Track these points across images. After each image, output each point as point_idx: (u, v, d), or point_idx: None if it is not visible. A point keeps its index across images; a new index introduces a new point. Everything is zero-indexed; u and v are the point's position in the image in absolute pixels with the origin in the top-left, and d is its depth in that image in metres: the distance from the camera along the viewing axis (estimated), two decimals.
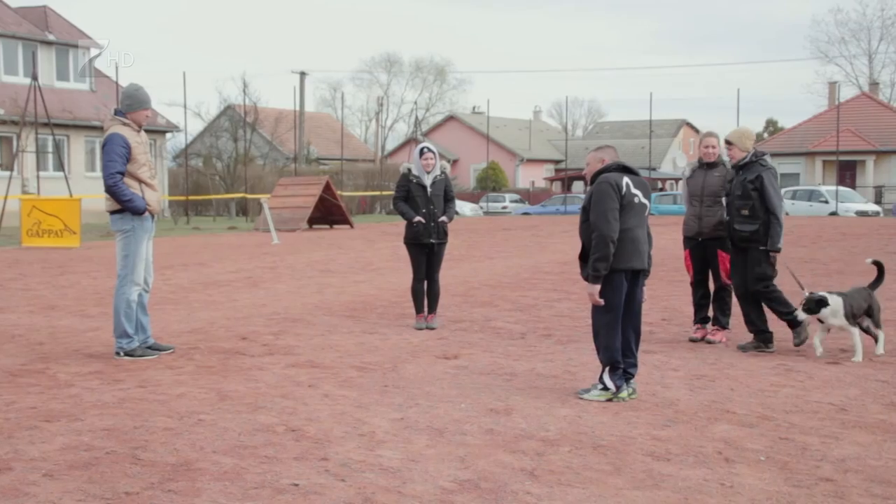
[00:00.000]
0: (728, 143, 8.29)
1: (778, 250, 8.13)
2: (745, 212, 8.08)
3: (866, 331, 7.90)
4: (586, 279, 6.30)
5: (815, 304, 7.70)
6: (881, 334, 7.93)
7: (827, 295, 7.76)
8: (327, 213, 30.34)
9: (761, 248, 8.11)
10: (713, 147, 8.64)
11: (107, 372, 7.21)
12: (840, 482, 4.63)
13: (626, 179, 6.34)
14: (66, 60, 36.45)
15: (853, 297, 7.82)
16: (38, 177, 29.12)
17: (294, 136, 49.20)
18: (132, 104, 7.79)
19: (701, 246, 8.61)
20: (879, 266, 8.03)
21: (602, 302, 6.26)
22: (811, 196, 39.65)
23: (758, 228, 8.08)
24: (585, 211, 6.40)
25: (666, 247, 17.64)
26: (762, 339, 8.16)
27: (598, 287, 6.23)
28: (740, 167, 8.22)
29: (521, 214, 45.04)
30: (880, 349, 7.85)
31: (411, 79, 76.12)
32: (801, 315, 7.81)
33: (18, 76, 34.05)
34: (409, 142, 60.74)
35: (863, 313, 7.86)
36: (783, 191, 41.16)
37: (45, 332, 9.13)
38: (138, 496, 4.37)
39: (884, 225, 28.17)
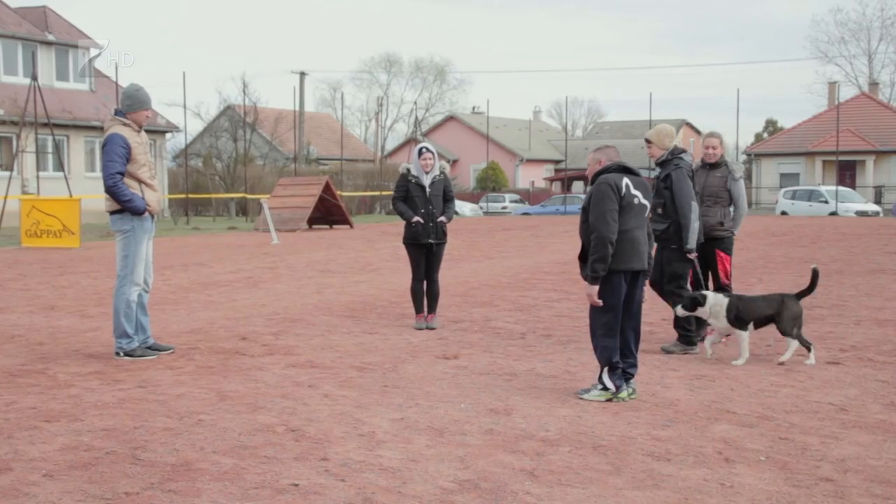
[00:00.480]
0: (647, 141, 8.34)
1: (690, 250, 7.99)
2: (659, 210, 8.06)
3: (798, 339, 7.63)
4: (585, 279, 6.30)
5: (690, 302, 7.68)
6: (791, 343, 7.57)
7: (707, 294, 7.72)
8: (327, 213, 30.34)
9: (673, 246, 8.07)
10: (713, 148, 8.64)
11: (107, 372, 7.21)
12: (840, 482, 4.63)
13: (625, 180, 6.34)
14: (66, 61, 36.45)
15: (749, 302, 7.70)
16: (37, 177, 29.12)
17: (294, 136, 49.19)
18: (132, 104, 7.79)
19: (700, 246, 8.60)
20: (814, 274, 7.82)
21: (601, 302, 6.26)
22: (811, 196, 39.68)
23: (668, 227, 8.02)
24: (585, 211, 6.40)
25: None
26: (685, 340, 8.11)
27: (596, 288, 6.24)
28: (659, 165, 8.25)
29: (520, 214, 45.04)
30: (785, 356, 7.56)
31: (411, 79, 76.19)
32: (679, 311, 7.77)
33: (18, 76, 34.05)
34: (409, 142, 60.73)
35: (762, 319, 7.66)
36: (783, 190, 41.53)
37: (45, 333, 9.13)
38: (138, 496, 4.37)
39: (884, 225, 28.18)
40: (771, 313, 7.64)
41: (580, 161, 57.88)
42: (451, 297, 11.53)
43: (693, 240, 7.95)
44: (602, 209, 6.21)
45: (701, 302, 7.64)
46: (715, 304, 7.63)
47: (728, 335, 8.06)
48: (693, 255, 8.05)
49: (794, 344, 7.58)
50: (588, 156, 6.68)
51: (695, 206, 7.97)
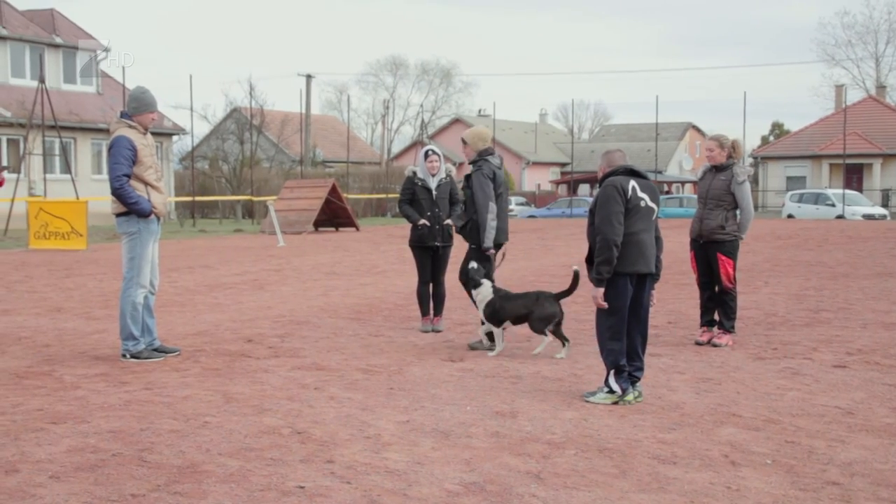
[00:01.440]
0: (463, 142, 8.61)
1: (487, 248, 8.33)
2: (462, 207, 8.61)
3: (556, 334, 7.93)
4: (592, 281, 6.31)
5: (472, 275, 8.12)
6: (544, 340, 7.97)
7: (484, 282, 8.06)
8: (333, 215, 30.35)
9: (473, 245, 8.43)
10: (710, 150, 8.64)
11: (113, 374, 7.22)
12: (846, 486, 4.61)
13: (632, 183, 6.33)
14: (73, 63, 36.53)
15: (507, 301, 7.99)
16: (44, 179, 29.22)
17: (300, 138, 49.23)
18: (139, 107, 7.81)
19: (703, 248, 8.62)
20: (575, 276, 7.85)
21: (606, 305, 6.26)
22: (818, 199, 39.59)
23: (465, 224, 8.43)
24: (592, 214, 6.39)
25: (672, 250, 17.59)
26: (490, 336, 8.29)
27: (601, 290, 6.23)
28: (471, 165, 8.53)
29: (526, 217, 45.03)
30: (537, 350, 8.00)
31: (417, 81, 76.16)
32: (476, 295, 8.13)
33: (25, 79, 34.14)
34: (415, 144, 60.71)
35: (518, 318, 7.95)
36: (789, 193, 41.47)
37: (52, 335, 9.15)
38: (144, 498, 4.37)
39: (891, 228, 28.11)
40: (525, 312, 7.92)
41: (586, 164, 57.91)
42: (457, 300, 11.53)
43: (489, 238, 8.31)
44: (607, 211, 6.21)
45: (474, 285, 8.08)
46: (483, 295, 8.02)
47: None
48: (490, 253, 8.40)
49: (547, 339, 7.94)
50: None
51: (492, 206, 8.30)
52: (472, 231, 8.39)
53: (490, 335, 8.22)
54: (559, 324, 7.92)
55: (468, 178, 8.46)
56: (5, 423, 5.69)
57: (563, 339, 7.94)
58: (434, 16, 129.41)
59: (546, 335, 7.90)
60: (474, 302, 8.34)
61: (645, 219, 6.34)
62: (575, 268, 7.89)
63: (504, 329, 8.10)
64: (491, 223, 8.27)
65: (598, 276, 6.21)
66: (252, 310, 10.97)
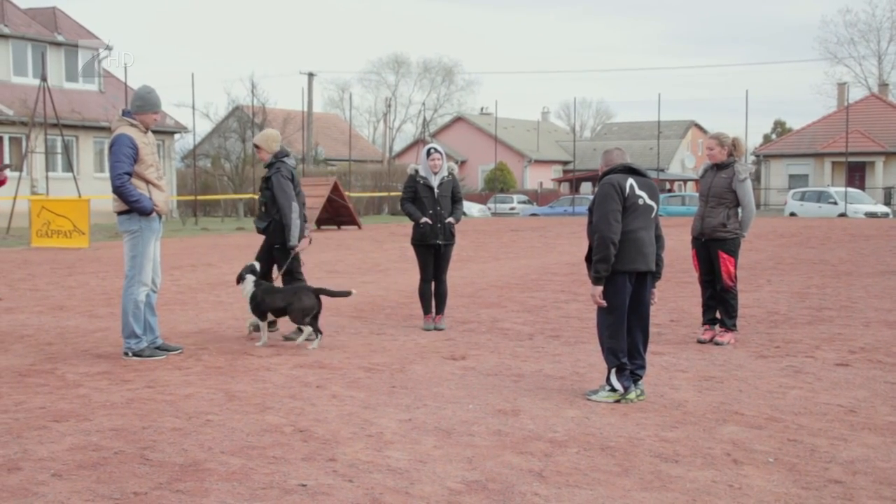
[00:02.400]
0: (256, 146, 8.89)
1: (293, 246, 8.62)
2: (262, 208, 8.79)
3: (311, 325, 8.25)
4: (591, 280, 6.31)
5: (244, 273, 8.49)
6: (305, 330, 8.28)
7: (248, 278, 8.41)
8: (335, 213, 30.36)
9: (276, 245, 8.69)
10: (710, 149, 8.63)
11: (115, 372, 7.23)
12: (849, 484, 4.61)
13: (630, 181, 6.33)
14: (75, 61, 36.55)
15: (269, 293, 8.33)
16: (47, 177, 29.21)
17: (302, 136, 49.22)
18: (143, 105, 7.81)
19: (704, 246, 8.61)
20: (344, 294, 8.66)
21: (604, 303, 6.26)
22: (820, 197, 39.56)
23: (268, 225, 8.70)
24: (591, 212, 6.39)
25: (674, 248, 17.60)
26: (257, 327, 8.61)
27: (600, 288, 6.24)
28: (267, 167, 8.80)
29: (529, 216, 45.02)
30: (298, 340, 8.35)
31: (419, 80, 76.08)
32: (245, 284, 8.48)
33: (28, 77, 34.15)
34: (417, 143, 60.74)
35: (278, 311, 8.32)
36: (792, 191, 41.46)
37: (54, 333, 9.16)
38: (147, 496, 4.37)
39: (893, 226, 28.09)
40: (284, 305, 8.24)
41: (588, 162, 57.89)
42: (459, 298, 11.53)
43: (295, 236, 8.59)
44: (605, 210, 6.21)
45: (240, 279, 8.44)
46: (247, 290, 8.37)
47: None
48: (295, 251, 8.66)
49: (307, 331, 8.26)
50: None
51: (295, 206, 8.59)
52: (276, 231, 8.64)
53: (257, 327, 8.56)
54: (316, 316, 8.28)
55: (267, 179, 8.67)
56: (8, 421, 5.69)
57: (317, 332, 8.29)
58: (436, 14, 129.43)
59: (305, 326, 8.26)
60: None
61: (643, 217, 6.33)
62: (351, 291, 8.82)
63: (272, 321, 8.58)
64: (296, 222, 8.58)
65: (596, 274, 6.21)
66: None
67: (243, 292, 8.49)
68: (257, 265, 8.67)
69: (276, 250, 8.77)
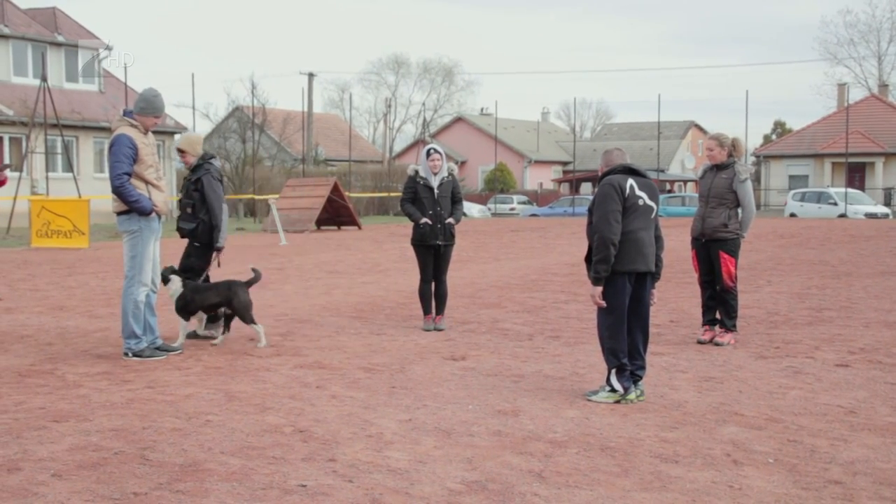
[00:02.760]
0: (180, 150, 8.83)
1: (220, 248, 8.64)
2: (189, 210, 8.63)
3: (226, 321, 8.43)
4: (590, 280, 6.31)
5: (168, 274, 8.28)
6: (258, 329, 8.37)
7: (172, 278, 8.27)
8: (335, 214, 30.36)
9: (196, 244, 8.66)
10: (710, 149, 8.64)
11: (115, 372, 7.23)
12: (849, 485, 4.61)
13: (630, 181, 6.33)
14: (75, 61, 36.55)
15: (199, 291, 8.28)
16: (47, 178, 29.21)
17: (302, 137, 49.22)
18: (146, 108, 7.82)
19: (705, 247, 8.61)
20: (255, 272, 8.57)
21: (604, 304, 6.26)
22: (820, 198, 39.56)
23: (196, 226, 8.58)
24: (591, 212, 6.40)
25: (674, 248, 17.61)
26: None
27: (599, 289, 6.24)
28: (191, 171, 8.69)
29: (529, 216, 45.03)
30: (261, 343, 8.31)
31: (419, 80, 76.04)
32: (169, 286, 8.33)
33: (28, 77, 34.14)
34: (417, 143, 60.76)
35: (210, 307, 8.35)
36: (792, 192, 41.45)
37: (54, 333, 9.16)
38: (146, 496, 4.37)
39: (893, 227, 28.09)
40: (219, 301, 8.25)
41: (588, 162, 57.87)
42: (459, 299, 11.53)
43: (224, 238, 8.62)
44: (604, 210, 6.22)
45: (168, 280, 8.27)
46: (175, 290, 8.25)
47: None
48: (219, 253, 8.68)
49: (261, 328, 8.36)
50: None
51: (225, 207, 8.64)
52: (204, 232, 8.58)
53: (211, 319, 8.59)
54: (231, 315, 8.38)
55: (196, 181, 8.58)
56: (7, 422, 5.69)
57: (226, 329, 8.43)
58: (436, 14, 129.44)
59: (257, 324, 8.36)
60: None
61: (643, 217, 6.33)
62: (252, 266, 8.74)
63: (202, 321, 8.62)
64: (225, 223, 8.62)
65: (595, 274, 6.21)
66: (254, 308, 10.94)
67: (170, 293, 8.34)
68: (176, 266, 8.56)
69: (196, 248, 8.68)
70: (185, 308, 8.31)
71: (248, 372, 7.25)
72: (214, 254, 8.68)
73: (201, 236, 8.63)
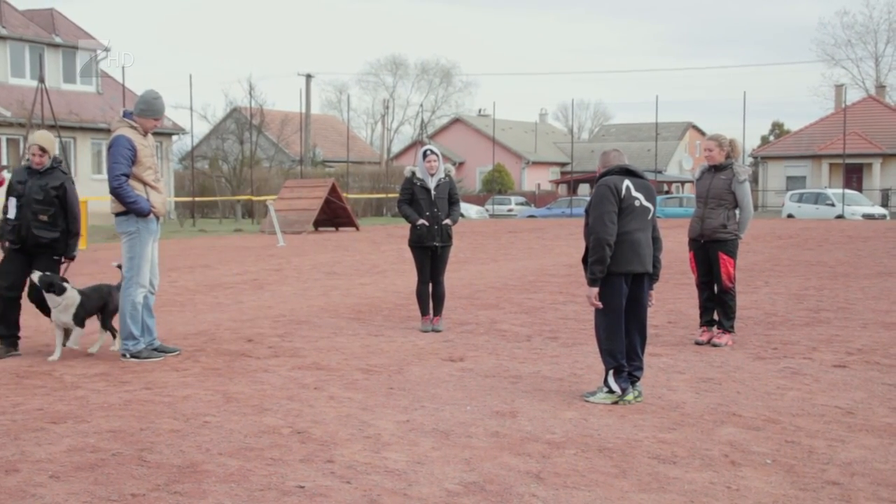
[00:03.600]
0: (42, 148, 8.14)
1: (72, 258, 8.26)
2: (45, 217, 7.99)
3: (110, 329, 8.17)
4: (587, 281, 6.32)
5: (55, 281, 7.80)
6: (105, 337, 8.21)
7: (67, 286, 7.85)
8: (333, 215, 30.35)
9: (55, 257, 8.13)
10: (709, 150, 8.64)
11: (113, 374, 7.22)
12: (847, 485, 4.62)
13: (626, 182, 6.33)
14: (73, 63, 36.50)
15: (88, 297, 7.99)
16: None
17: (300, 138, 49.25)
18: (146, 110, 7.82)
19: (703, 248, 8.62)
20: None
21: (600, 305, 6.27)
22: (817, 199, 39.55)
23: (58, 237, 8.06)
24: (588, 213, 6.41)
25: (672, 249, 17.59)
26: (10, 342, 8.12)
27: (595, 290, 6.25)
28: (41, 173, 8.08)
29: (526, 217, 45.02)
30: (94, 348, 8.10)
31: (417, 81, 76.12)
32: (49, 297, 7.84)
33: (25, 78, 34.10)
34: (415, 144, 60.68)
35: (95, 312, 8.08)
36: (789, 193, 41.49)
37: (52, 334, 9.13)
38: (144, 498, 4.37)
39: (891, 228, 28.10)
40: (102, 304, 8.05)
41: (586, 164, 57.92)
42: (457, 300, 11.53)
43: (76, 247, 8.20)
44: (600, 211, 6.23)
45: (60, 290, 7.79)
46: (73, 298, 7.82)
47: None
48: (71, 261, 8.26)
49: (107, 336, 8.19)
50: None
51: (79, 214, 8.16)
52: (63, 242, 8.11)
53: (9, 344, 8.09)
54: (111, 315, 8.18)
55: (59, 187, 8.02)
56: (5, 423, 5.69)
57: (113, 332, 8.16)
58: (434, 15, 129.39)
59: (116, 330, 8.09)
60: (42, 310, 8.14)
61: (639, 218, 6.34)
62: (115, 264, 8.26)
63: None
64: (78, 234, 8.18)
65: (591, 275, 6.22)
66: (252, 309, 10.97)
67: (66, 301, 7.77)
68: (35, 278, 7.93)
69: (54, 261, 8.10)
70: (85, 314, 7.93)
71: (245, 373, 7.24)
72: (65, 264, 8.22)
73: (62, 248, 8.13)
